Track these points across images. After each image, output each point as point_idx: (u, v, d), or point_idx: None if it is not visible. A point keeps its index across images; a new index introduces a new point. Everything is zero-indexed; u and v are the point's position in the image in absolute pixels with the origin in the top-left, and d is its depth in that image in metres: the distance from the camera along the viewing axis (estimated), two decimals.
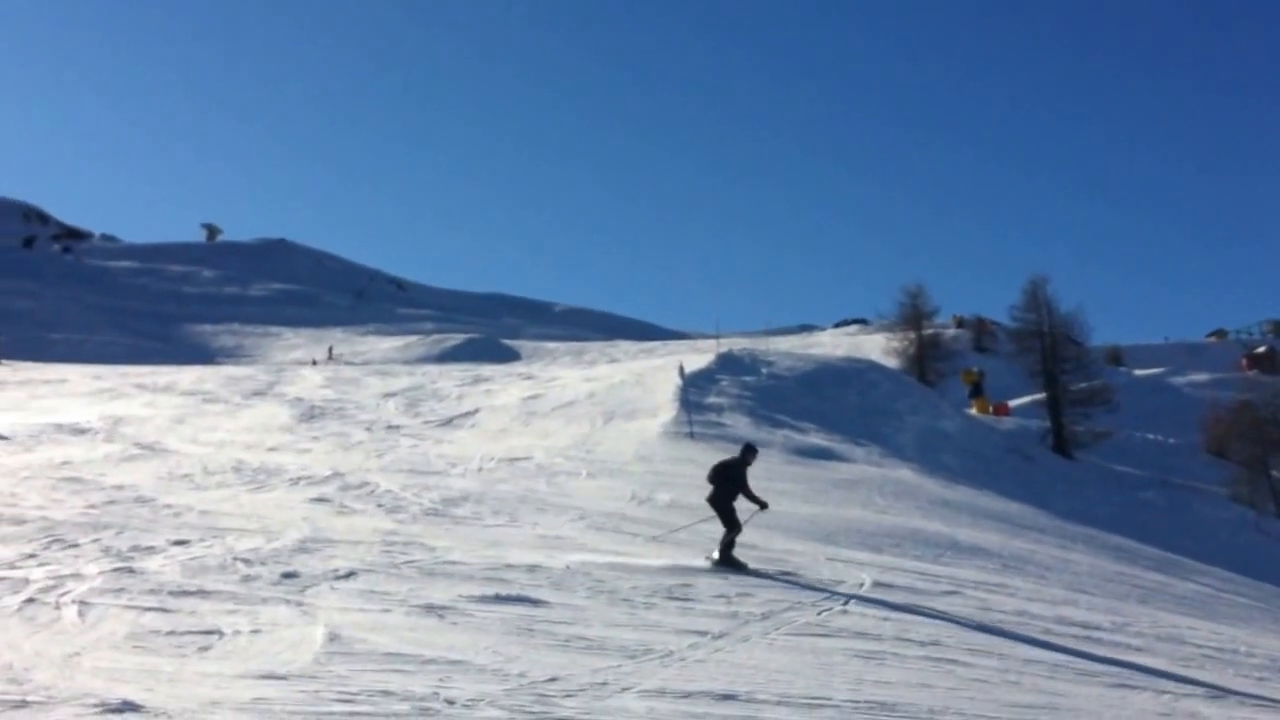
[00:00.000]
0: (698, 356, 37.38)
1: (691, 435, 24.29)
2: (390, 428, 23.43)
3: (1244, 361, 70.19)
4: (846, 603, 9.77)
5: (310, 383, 30.83)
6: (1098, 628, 10.44)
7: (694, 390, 28.83)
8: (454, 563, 9.99)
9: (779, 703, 6.34)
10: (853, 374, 38.33)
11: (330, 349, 63.60)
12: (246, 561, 9.30)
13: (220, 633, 7.00)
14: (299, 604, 7.92)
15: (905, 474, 24.82)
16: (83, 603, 7.54)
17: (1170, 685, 8.04)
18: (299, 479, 15.41)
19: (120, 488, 13.56)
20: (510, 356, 62.69)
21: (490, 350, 63.75)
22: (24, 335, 49.67)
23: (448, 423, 24.99)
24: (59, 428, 19.48)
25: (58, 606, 7.44)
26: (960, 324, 71.56)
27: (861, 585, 10.78)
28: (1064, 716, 6.81)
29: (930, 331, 57.30)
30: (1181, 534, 30.91)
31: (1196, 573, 19.46)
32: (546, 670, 6.57)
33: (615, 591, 9.28)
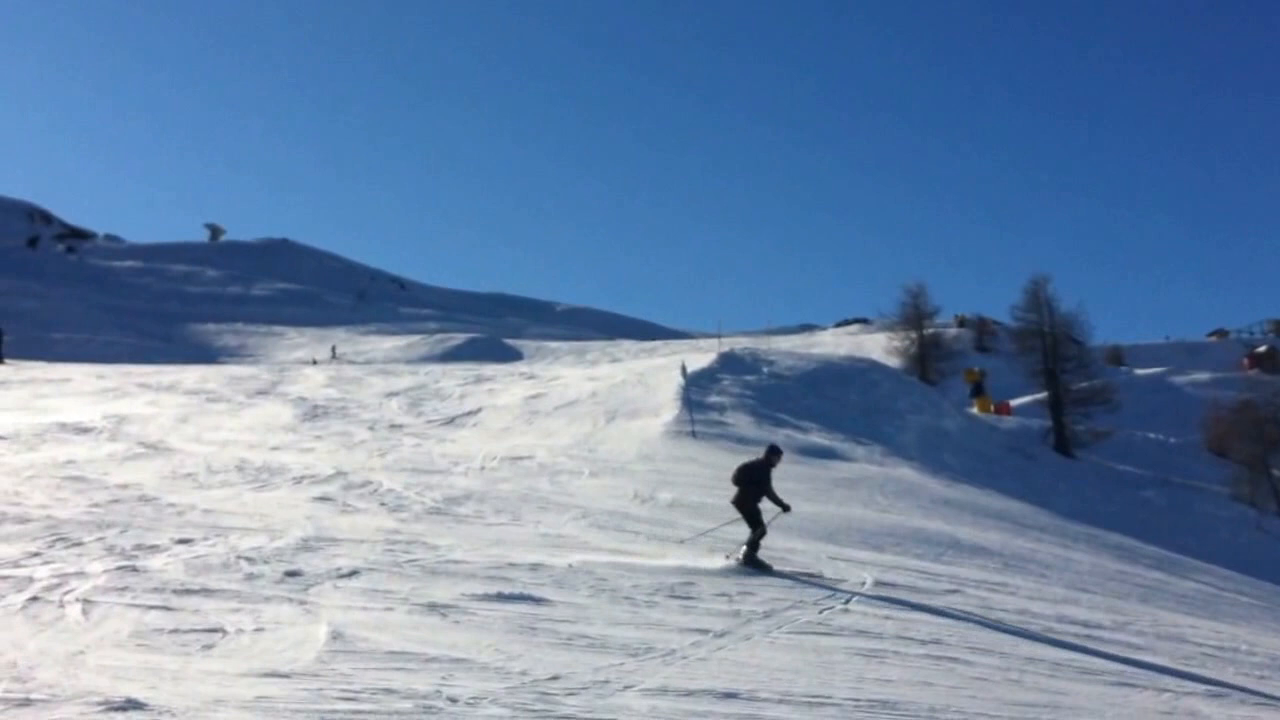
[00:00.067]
0: (700, 356, 37.38)
1: (693, 434, 24.31)
2: (393, 427, 23.45)
3: (1245, 361, 70.16)
4: (848, 601, 9.79)
5: (313, 382, 30.84)
6: (1099, 626, 10.45)
7: (696, 389, 28.84)
8: (456, 561, 10.01)
9: (781, 701, 6.36)
10: (854, 373, 38.33)
11: (333, 348, 63.68)
12: (250, 560, 9.33)
13: (224, 631, 7.02)
14: (302, 602, 7.94)
15: (907, 473, 24.83)
16: (86, 601, 7.57)
17: (1171, 683, 8.05)
18: (302, 478, 15.43)
19: (124, 486, 13.58)
20: (512, 356, 62.76)
21: (492, 350, 63.82)
22: (28, 335, 49.69)
23: (450, 422, 25.01)
24: (63, 427, 19.50)
25: (62, 605, 7.46)
26: (962, 323, 71.59)
27: (863, 584, 10.79)
28: (1065, 715, 6.82)
29: (932, 331, 57.37)
30: (1182, 533, 30.93)
31: (1197, 571, 19.46)
32: (549, 668, 6.59)
33: (617, 590, 9.30)
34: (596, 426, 25.07)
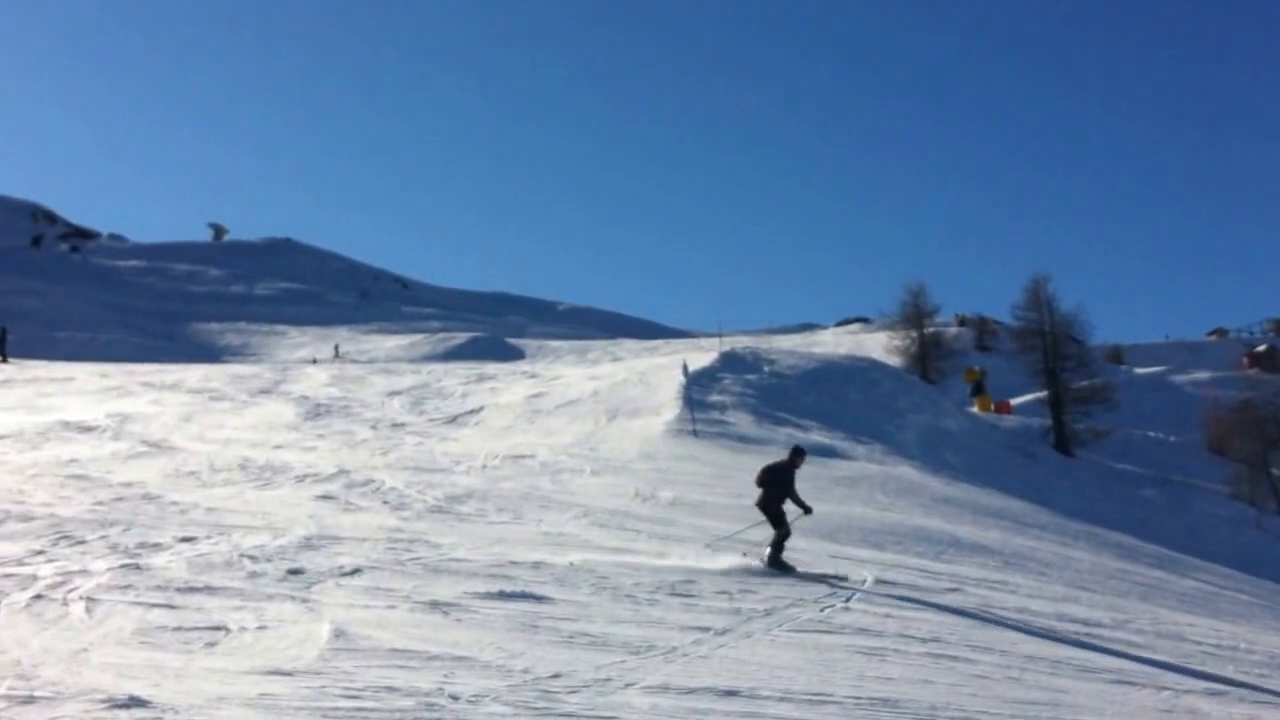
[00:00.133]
0: (701, 355, 37.38)
1: (694, 433, 24.33)
2: (395, 425, 23.48)
3: (1245, 360, 70.11)
4: (849, 599, 9.82)
5: (316, 381, 30.89)
6: (1099, 624, 10.47)
7: (697, 388, 28.85)
8: (458, 560, 10.04)
9: (781, 699, 6.39)
10: (855, 372, 38.35)
11: (336, 347, 63.76)
12: (253, 558, 9.37)
13: (226, 629, 7.05)
14: (305, 600, 7.98)
15: (907, 471, 24.84)
16: (90, 599, 7.61)
17: (1171, 681, 8.07)
18: (305, 476, 15.46)
19: (127, 485, 13.63)
20: (514, 355, 62.83)
21: (494, 349, 63.90)
22: (32, 334, 49.79)
23: (452, 421, 25.04)
24: (66, 425, 19.55)
25: (65, 603, 7.50)
26: (962, 323, 71.58)
27: (864, 582, 10.82)
28: (1065, 713, 6.84)
29: (932, 330, 57.40)
30: (1182, 531, 30.95)
31: (1197, 570, 19.47)
32: (550, 666, 6.62)
33: (618, 588, 9.33)
34: (598, 425, 25.09)
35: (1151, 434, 50.76)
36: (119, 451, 16.99)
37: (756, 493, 11.48)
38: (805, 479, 20.77)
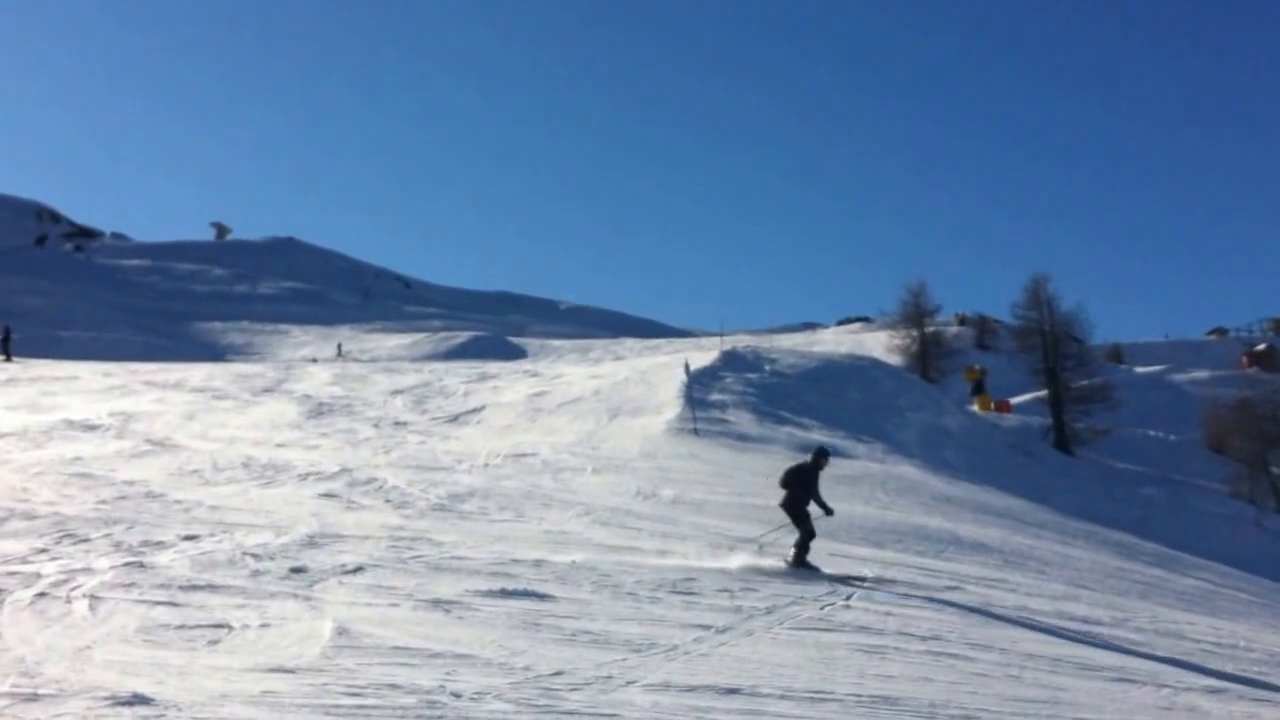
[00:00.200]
0: (702, 354, 37.40)
1: (696, 432, 24.36)
2: (398, 424, 23.51)
3: (1244, 359, 69.97)
4: (849, 598, 9.84)
5: (318, 380, 30.92)
6: (1098, 622, 10.48)
7: (698, 387, 28.86)
8: (460, 558, 10.07)
9: (782, 696, 6.40)
10: (855, 371, 38.36)
11: (339, 346, 63.82)
12: (255, 556, 9.40)
13: (229, 627, 7.08)
14: (307, 598, 8.01)
15: (907, 470, 24.87)
16: (94, 597, 7.64)
17: (1170, 679, 8.08)
18: (307, 475, 15.50)
19: (131, 483, 13.66)
20: (516, 354, 62.83)
21: (496, 348, 63.92)
22: (36, 332, 49.85)
23: (454, 419, 25.07)
24: (70, 424, 19.60)
25: (69, 601, 7.53)
26: (962, 322, 71.51)
27: (864, 581, 10.84)
28: (1065, 710, 6.85)
29: (932, 329, 57.39)
30: (1182, 530, 30.94)
31: (1197, 568, 19.48)
32: (552, 664, 6.64)
33: (620, 586, 9.35)
34: (599, 424, 25.12)
35: (1151, 433, 50.74)
36: (122, 450, 17.03)
37: (780, 494, 11.48)
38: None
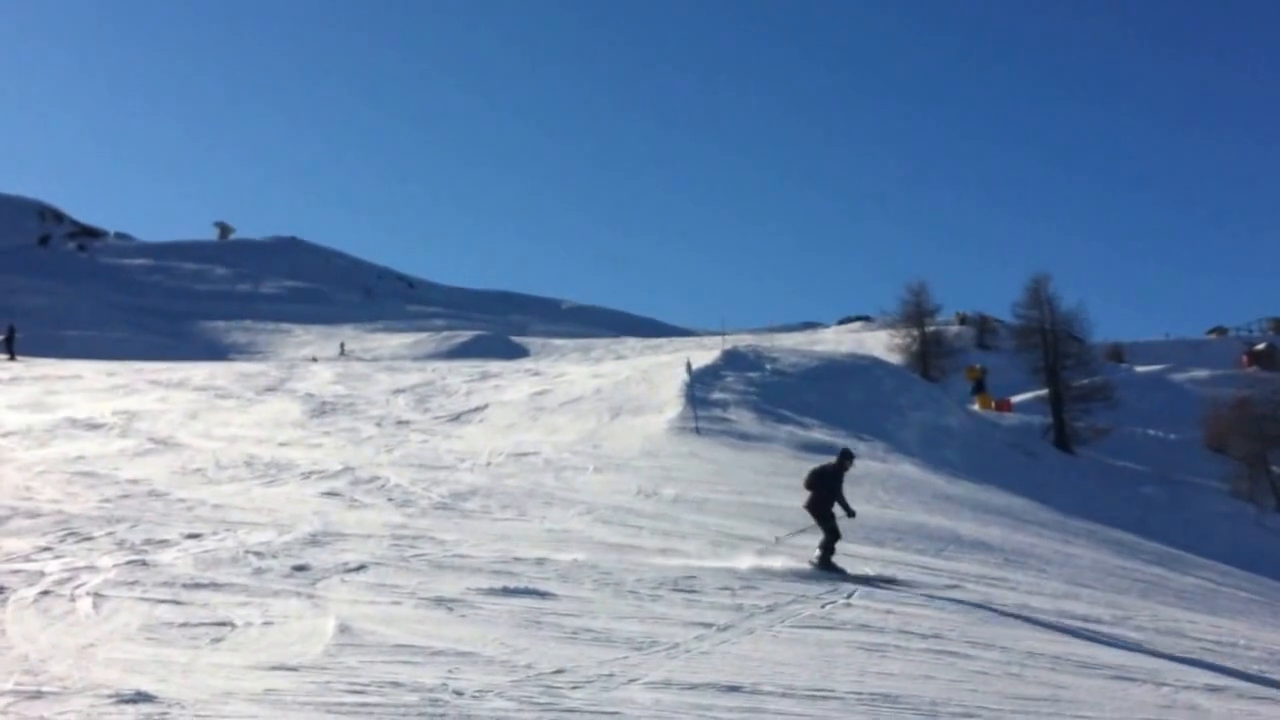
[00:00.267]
0: (703, 353, 37.38)
1: (697, 431, 24.37)
2: (400, 423, 23.54)
3: (1244, 358, 69.91)
4: (850, 596, 9.86)
5: (321, 379, 30.95)
6: (1099, 621, 10.50)
7: (700, 386, 28.87)
8: (463, 556, 10.10)
9: (783, 694, 6.42)
10: (856, 370, 38.37)
11: (341, 345, 63.87)
12: (258, 554, 9.43)
13: (232, 625, 7.11)
14: (310, 596, 8.03)
15: (908, 469, 24.89)
16: (97, 595, 7.67)
17: (1170, 678, 8.09)
18: (310, 473, 15.53)
19: (134, 482, 13.70)
20: (518, 353, 62.83)
21: (498, 347, 63.93)
22: (40, 332, 49.85)
23: (456, 418, 25.09)
24: (73, 423, 19.64)
25: (73, 599, 7.56)
26: (963, 321, 71.46)
27: (865, 579, 10.86)
28: (1065, 708, 6.87)
29: (933, 328, 57.40)
30: (1182, 529, 30.95)
31: (1197, 567, 19.48)
32: (554, 662, 6.66)
33: (621, 584, 9.37)
34: (601, 423, 25.14)
35: (1151, 432, 50.72)
36: (126, 449, 17.08)
37: (804, 495, 11.50)
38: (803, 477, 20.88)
